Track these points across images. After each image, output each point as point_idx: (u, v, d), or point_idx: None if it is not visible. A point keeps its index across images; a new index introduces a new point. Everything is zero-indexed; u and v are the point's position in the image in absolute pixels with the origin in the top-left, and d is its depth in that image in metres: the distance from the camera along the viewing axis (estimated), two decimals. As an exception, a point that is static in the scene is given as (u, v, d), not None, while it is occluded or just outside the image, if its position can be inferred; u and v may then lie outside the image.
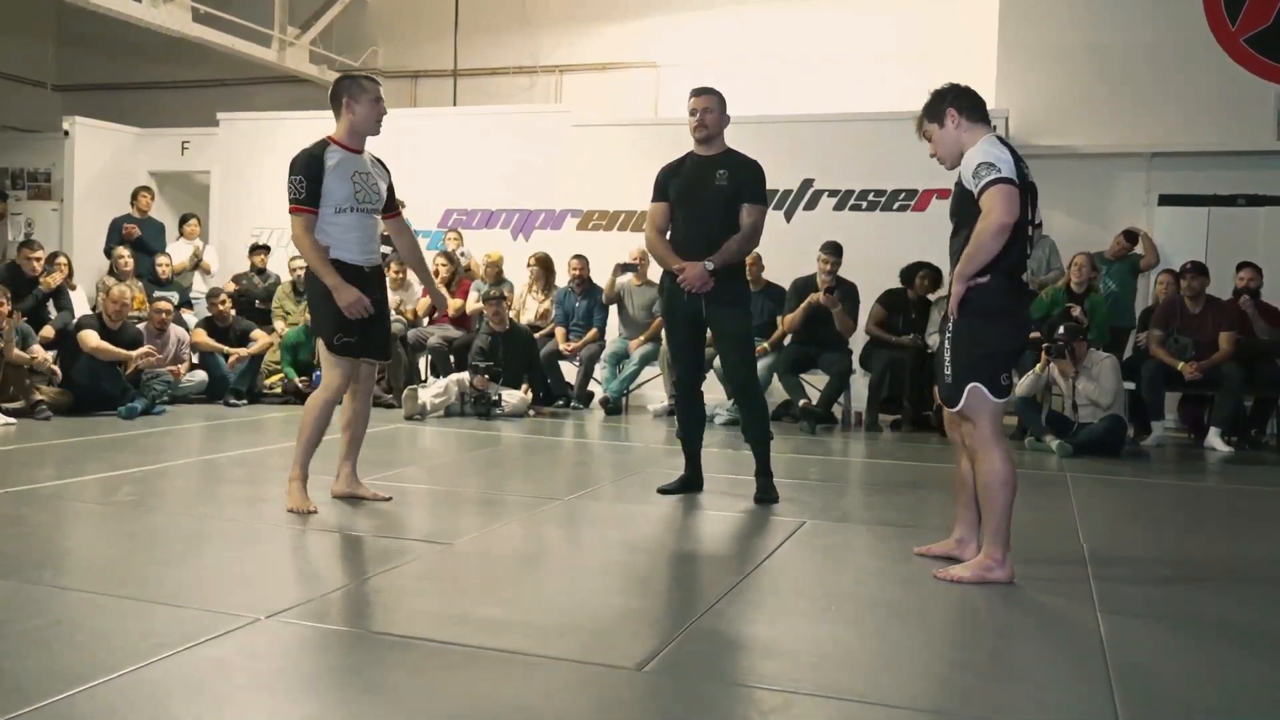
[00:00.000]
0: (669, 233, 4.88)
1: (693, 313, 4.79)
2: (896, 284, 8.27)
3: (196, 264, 10.35)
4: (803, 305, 8.00)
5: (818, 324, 8.05)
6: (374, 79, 4.51)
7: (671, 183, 4.86)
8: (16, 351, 7.20)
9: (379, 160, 4.56)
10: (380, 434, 6.99)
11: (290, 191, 4.27)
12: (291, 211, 4.28)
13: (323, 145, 4.34)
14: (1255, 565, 4.08)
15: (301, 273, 8.37)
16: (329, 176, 4.28)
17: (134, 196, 10.35)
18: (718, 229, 4.72)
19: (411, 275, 9.46)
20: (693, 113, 4.79)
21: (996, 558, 3.48)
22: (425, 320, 9.21)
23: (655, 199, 4.92)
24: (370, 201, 4.40)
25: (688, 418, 5.05)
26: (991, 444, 3.48)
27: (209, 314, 8.81)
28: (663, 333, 8.50)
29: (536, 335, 8.98)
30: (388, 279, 9.25)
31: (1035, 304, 7.76)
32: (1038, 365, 7.06)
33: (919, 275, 8.13)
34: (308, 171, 4.26)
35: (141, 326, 8.14)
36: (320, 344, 4.36)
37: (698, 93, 4.82)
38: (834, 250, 8.06)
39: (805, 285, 8.16)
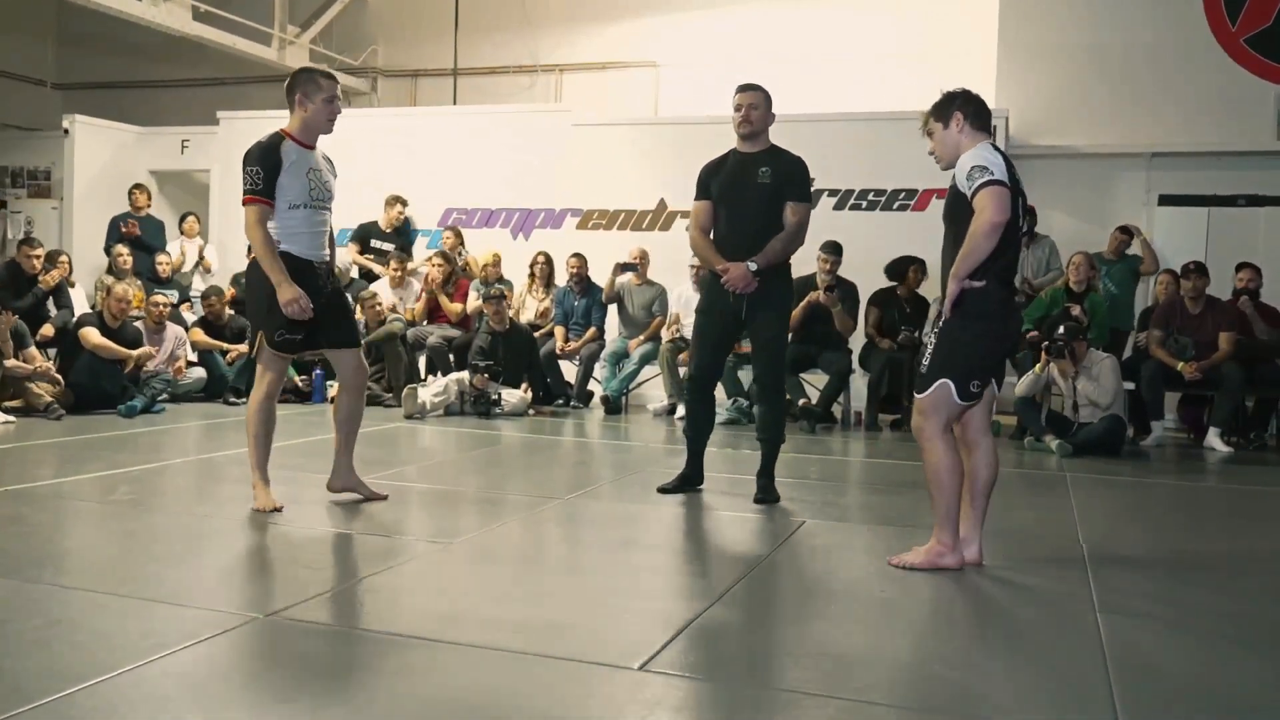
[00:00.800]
0: (711, 231, 4.86)
1: (733, 313, 4.76)
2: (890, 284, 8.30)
3: (198, 262, 10.35)
4: (802, 304, 8.00)
5: (817, 323, 8.06)
6: (332, 76, 4.43)
7: (714, 180, 4.82)
8: (13, 362, 7.16)
9: (328, 157, 4.48)
10: (380, 433, 6.99)
11: (245, 182, 4.20)
12: (245, 203, 4.22)
13: (278, 138, 4.27)
14: (1254, 564, 4.08)
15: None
16: (285, 172, 4.21)
17: (130, 195, 10.32)
18: (760, 227, 4.69)
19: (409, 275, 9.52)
20: (738, 108, 4.76)
21: (946, 543, 3.61)
22: (424, 320, 9.21)
23: (698, 197, 4.89)
24: (322, 198, 4.34)
25: (698, 415, 5.02)
26: (938, 438, 3.59)
27: (203, 313, 8.83)
28: (662, 331, 8.58)
29: (536, 334, 8.98)
30: (387, 277, 9.31)
31: (1035, 304, 7.76)
32: (1037, 365, 7.06)
33: (911, 269, 8.14)
34: (264, 163, 4.19)
35: (140, 324, 8.14)
36: (260, 339, 4.30)
37: (744, 89, 4.79)
38: (834, 250, 8.07)
39: (805, 285, 8.15)
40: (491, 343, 8.32)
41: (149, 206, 10.44)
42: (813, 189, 9.16)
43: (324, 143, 4.49)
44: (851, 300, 8.23)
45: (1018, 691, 2.59)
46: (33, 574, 3.32)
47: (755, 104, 4.75)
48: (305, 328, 4.31)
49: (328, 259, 4.43)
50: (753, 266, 4.62)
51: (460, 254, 9.66)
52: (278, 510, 4.27)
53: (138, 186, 10.45)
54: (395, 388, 8.47)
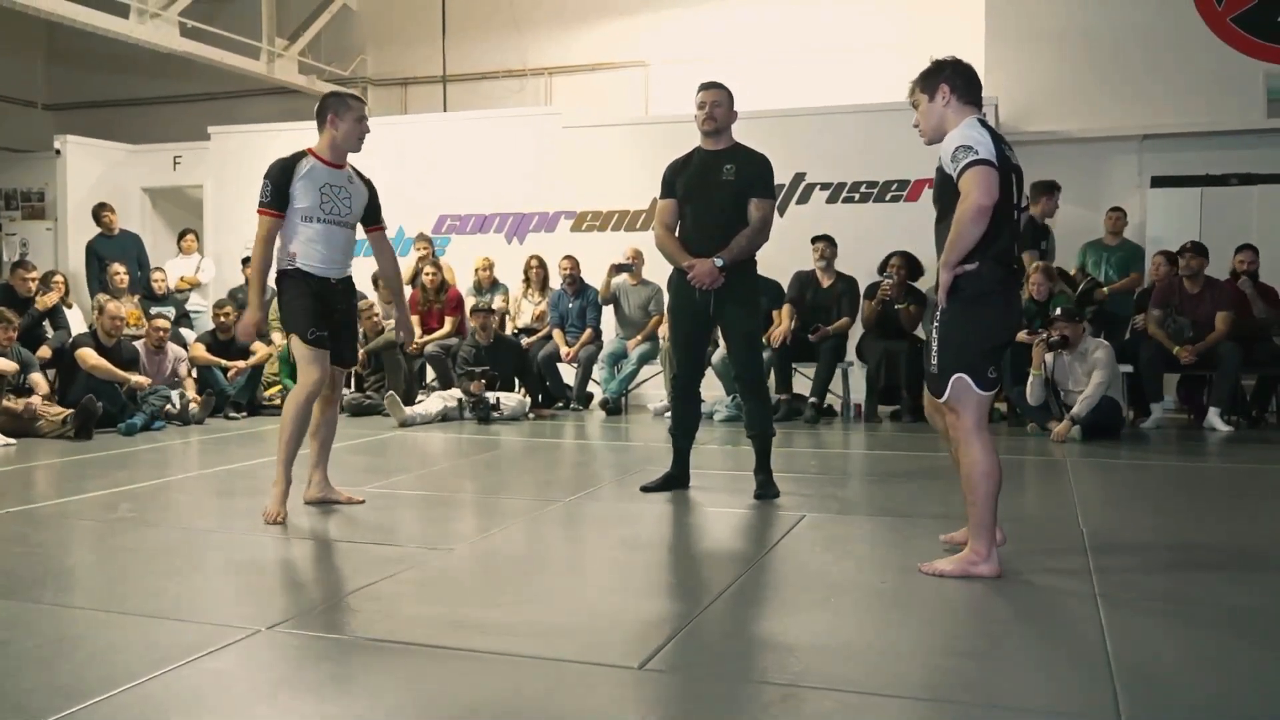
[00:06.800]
0: (678, 229, 4.88)
1: (701, 310, 4.78)
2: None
3: (196, 284, 10.33)
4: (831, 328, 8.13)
5: (817, 312, 8.16)
6: (360, 99, 4.67)
7: (679, 179, 4.85)
8: (17, 403, 7.15)
9: (363, 176, 4.66)
10: (379, 441, 7.00)
11: (260, 195, 4.42)
12: (258, 213, 4.44)
13: (298, 156, 4.47)
14: (1257, 548, 4.07)
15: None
16: (298, 184, 4.39)
17: (97, 217, 10.04)
18: (726, 224, 4.71)
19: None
20: (701, 106, 4.77)
21: (981, 552, 3.42)
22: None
23: (663, 195, 4.91)
24: (338, 214, 4.49)
25: (684, 416, 5.04)
26: (974, 436, 3.41)
27: (213, 325, 8.77)
28: (660, 330, 8.58)
29: (534, 337, 9.01)
30: (376, 294, 9.30)
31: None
32: (1033, 368, 6.97)
33: (890, 264, 8.12)
34: (276, 178, 4.39)
35: (139, 344, 8.13)
36: (295, 341, 4.45)
37: (707, 86, 4.81)
38: (829, 241, 8.20)
39: (807, 278, 8.25)
40: (476, 355, 8.36)
41: (116, 225, 10.16)
42: (804, 182, 9.34)
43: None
44: (850, 295, 8.25)
45: (1018, 681, 2.59)
46: (35, 594, 3.33)
47: (719, 101, 4.76)
48: (327, 330, 4.47)
49: (346, 275, 4.59)
50: (719, 262, 4.64)
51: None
52: (278, 524, 4.29)
53: (104, 207, 10.11)
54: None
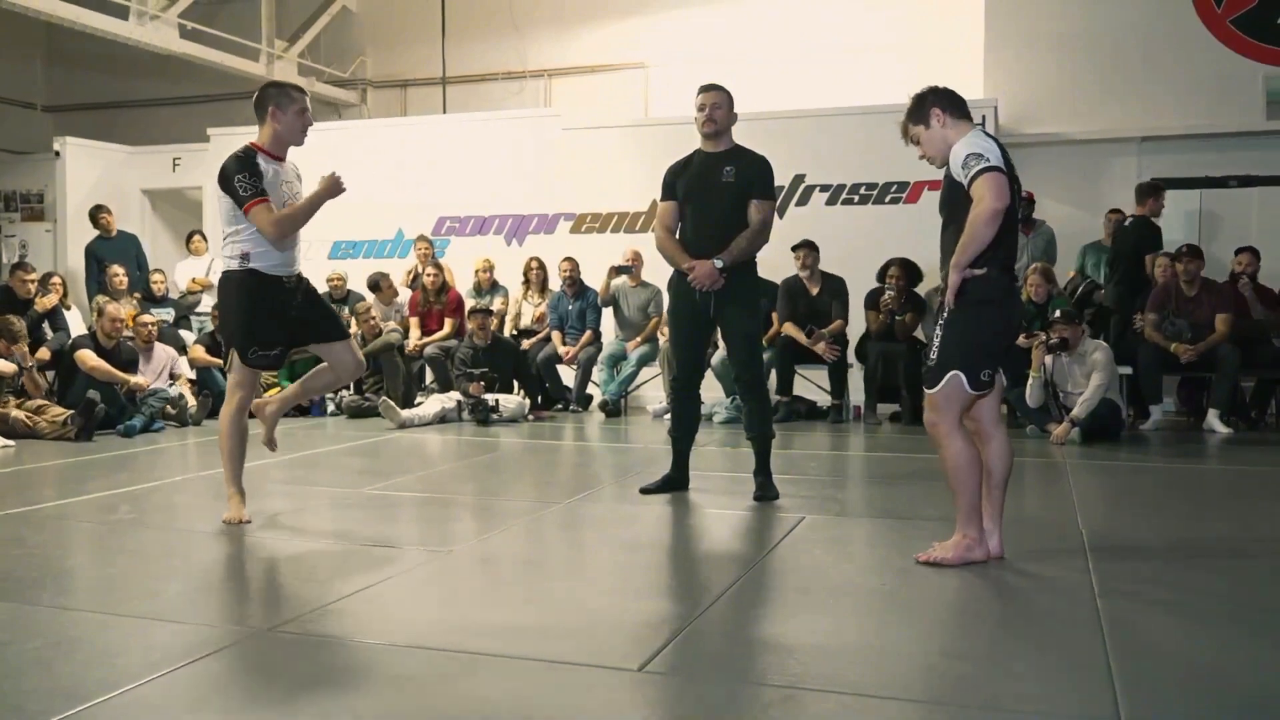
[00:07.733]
0: (678, 231, 4.89)
1: (701, 311, 4.78)
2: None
3: (208, 285, 10.31)
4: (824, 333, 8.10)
5: (813, 319, 8.14)
6: (302, 90, 4.46)
7: (679, 181, 4.86)
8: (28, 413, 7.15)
9: (295, 166, 4.48)
10: (378, 443, 6.99)
11: (243, 191, 4.16)
12: (253, 206, 4.17)
13: (251, 152, 4.27)
14: (1256, 547, 4.06)
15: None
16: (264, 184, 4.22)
17: (95, 220, 10.02)
18: (726, 226, 4.71)
19: (402, 289, 9.56)
20: (701, 108, 4.78)
21: (974, 536, 3.56)
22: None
23: (664, 198, 4.92)
24: None
25: (683, 417, 5.04)
26: (955, 434, 3.54)
27: (212, 328, 8.76)
28: (659, 332, 8.58)
29: (534, 339, 9.01)
30: (374, 297, 9.31)
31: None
32: (1032, 370, 6.95)
33: (889, 274, 8.09)
34: (249, 170, 4.18)
35: (132, 344, 8.12)
36: (233, 356, 4.33)
37: (707, 89, 4.81)
38: (811, 247, 8.21)
39: (796, 289, 8.24)
40: (474, 356, 8.36)
41: (114, 226, 10.15)
42: (804, 185, 9.34)
43: (313, 157, 4.51)
44: (840, 297, 8.24)
45: (1018, 681, 2.59)
46: (34, 595, 3.32)
47: (719, 103, 4.76)
48: (278, 345, 4.37)
49: (298, 272, 4.43)
50: (719, 264, 4.65)
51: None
52: (245, 523, 4.31)
53: (101, 209, 10.07)
54: (394, 398, 8.47)
